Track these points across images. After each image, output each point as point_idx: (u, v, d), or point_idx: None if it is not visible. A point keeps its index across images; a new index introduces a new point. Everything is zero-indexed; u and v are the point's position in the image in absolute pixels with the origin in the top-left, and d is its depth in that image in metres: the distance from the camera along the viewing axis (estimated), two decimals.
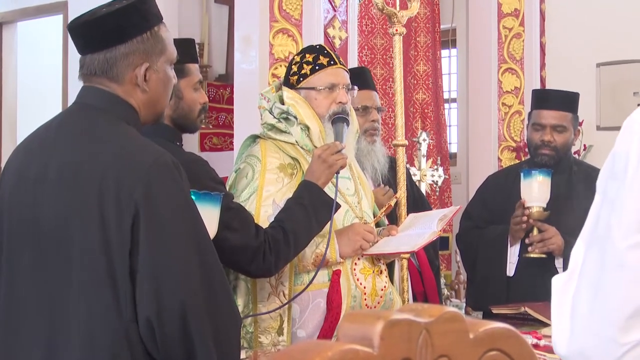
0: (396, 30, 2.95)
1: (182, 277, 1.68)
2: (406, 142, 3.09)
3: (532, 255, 3.22)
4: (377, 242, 2.66)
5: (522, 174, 3.24)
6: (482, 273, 3.46)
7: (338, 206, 2.46)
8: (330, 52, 2.65)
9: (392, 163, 3.32)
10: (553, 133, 3.38)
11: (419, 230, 2.65)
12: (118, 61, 1.82)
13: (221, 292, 1.75)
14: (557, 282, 1.37)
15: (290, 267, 2.49)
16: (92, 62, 1.84)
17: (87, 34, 1.84)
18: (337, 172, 2.45)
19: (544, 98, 3.47)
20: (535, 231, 3.22)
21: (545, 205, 3.20)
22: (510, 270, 3.34)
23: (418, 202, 3.42)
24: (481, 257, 3.46)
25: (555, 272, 3.21)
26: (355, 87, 2.70)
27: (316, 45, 2.73)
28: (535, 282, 3.20)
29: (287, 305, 2.49)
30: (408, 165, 4.01)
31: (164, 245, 1.68)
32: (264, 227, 2.37)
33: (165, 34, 1.89)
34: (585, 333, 1.26)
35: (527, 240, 3.25)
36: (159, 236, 1.67)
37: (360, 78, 3.20)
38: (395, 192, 3.16)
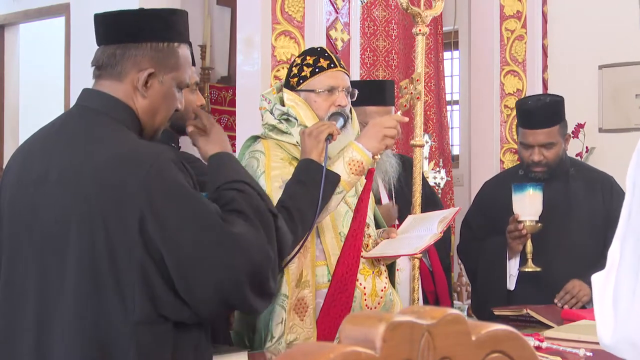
0: (419, 30, 2.94)
1: (213, 263, 1.69)
2: (424, 143, 3.06)
3: (527, 269, 3.19)
4: (377, 244, 2.67)
5: (513, 189, 3.21)
6: (483, 286, 3.44)
7: (337, 177, 2.43)
8: (331, 54, 2.65)
9: (405, 163, 3.30)
10: (542, 150, 3.33)
11: (419, 233, 2.64)
12: (125, 59, 1.83)
13: (240, 245, 1.74)
14: (596, 279, 1.37)
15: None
16: (102, 54, 1.85)
17: (108, 24, 1.86)
18: (327, 140, 2.42)
19: (527, 118, 3.38)
20: (529, 245, 3.20)
21: (537, 219, 3.18)
22: (511, 284, 3.31)
23: (430, 201, 3.38)
24: (481, 271, 3.44)
25: (555, 285, 3.20)
26: (356, 90, 2.69)
27: (317, 48, 2.72)
28: (536, 294, 3.18)
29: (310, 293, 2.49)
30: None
31: (180, 241, 1.67)
32: (276, 198, 2.36)
33: (184, 54, 1.90)
34: (629, 318, 1.26)
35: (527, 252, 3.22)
36: (172, 234, 1.67)
37: (375, 93, 3.16)
38: (410, 192, 3.13)
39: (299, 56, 2.71)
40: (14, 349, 1.77)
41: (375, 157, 2.51)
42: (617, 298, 1.29)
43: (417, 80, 2.79)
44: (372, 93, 3.07)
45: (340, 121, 2.54)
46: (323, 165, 2.38)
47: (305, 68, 2.61)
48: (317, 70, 2.60)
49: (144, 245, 1.66)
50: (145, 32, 1.83)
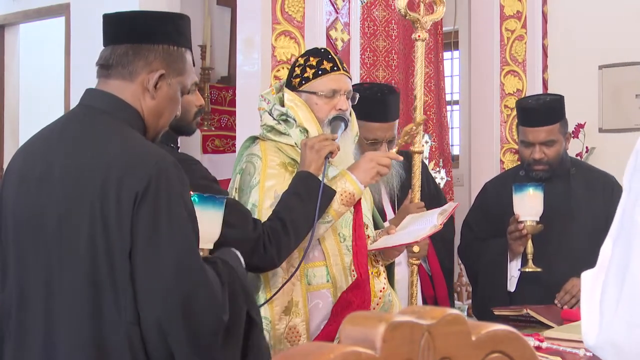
0: (419, 36, 2.93)
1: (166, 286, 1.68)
2: (423, 149, 3.04)
3: (527, 270, 3.17)
4: (376, 240, 2.66)
5: (513, 189, 3.19)
6: (484, 288, 3.43)
7: (333, 192, 2.44)
8: (335, 57, 2.64)
9: (408, 159, 3.29)
10: (543, 148, 3.31)
11: (419, 227, 2.64)
12: (138, 58, 1.83)
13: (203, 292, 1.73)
14: (586, 277, 1.37)
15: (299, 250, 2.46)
16: (112, 52, 1.85)
17: (120, 24, 1.87)
18: (327, 158, 2.43)
19: (527, 116, 3.37)
20: (529, 245, 3.19)
21: (538, 219, 3.16)
22: (512, 285, 3.29)
23: (434, 199, 3.36)
24: (482, 272, 3.43)
25: (556, 286, 3.19)
26: (357, 94, 2.68)
27: (321, 49, 2.72)
28: (537, 295, 3.17)
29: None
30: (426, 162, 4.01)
31: (158, 248, 1.67)
32: (267, 216, 2.37)
33: (189, 60, 1.93)
34: (613, 321, 1.25)
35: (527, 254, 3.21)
36: (154, 238, 1.67)
37: (379, 110, 3.10)
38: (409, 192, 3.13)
39: (301, 56, 2.70)
40: (27, 342, 1.77)
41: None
42: (604, 300, 1.28)
43: (420, 123, 2.82)
44: (375, 110, 3.05)
45: (342, 128, 2.54)
46: (321, 180, 2.39)
47: (308, 69, 2.61)
48: (320, 72, 2.59)
49: (132, 244, 1.67)
50: (159, 34, 1.85)
